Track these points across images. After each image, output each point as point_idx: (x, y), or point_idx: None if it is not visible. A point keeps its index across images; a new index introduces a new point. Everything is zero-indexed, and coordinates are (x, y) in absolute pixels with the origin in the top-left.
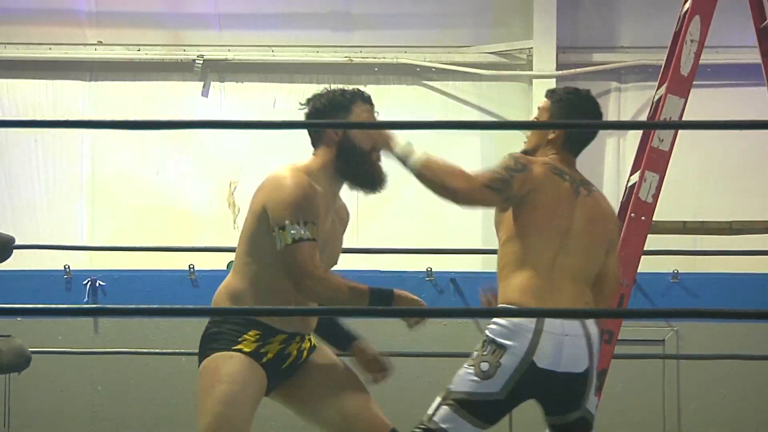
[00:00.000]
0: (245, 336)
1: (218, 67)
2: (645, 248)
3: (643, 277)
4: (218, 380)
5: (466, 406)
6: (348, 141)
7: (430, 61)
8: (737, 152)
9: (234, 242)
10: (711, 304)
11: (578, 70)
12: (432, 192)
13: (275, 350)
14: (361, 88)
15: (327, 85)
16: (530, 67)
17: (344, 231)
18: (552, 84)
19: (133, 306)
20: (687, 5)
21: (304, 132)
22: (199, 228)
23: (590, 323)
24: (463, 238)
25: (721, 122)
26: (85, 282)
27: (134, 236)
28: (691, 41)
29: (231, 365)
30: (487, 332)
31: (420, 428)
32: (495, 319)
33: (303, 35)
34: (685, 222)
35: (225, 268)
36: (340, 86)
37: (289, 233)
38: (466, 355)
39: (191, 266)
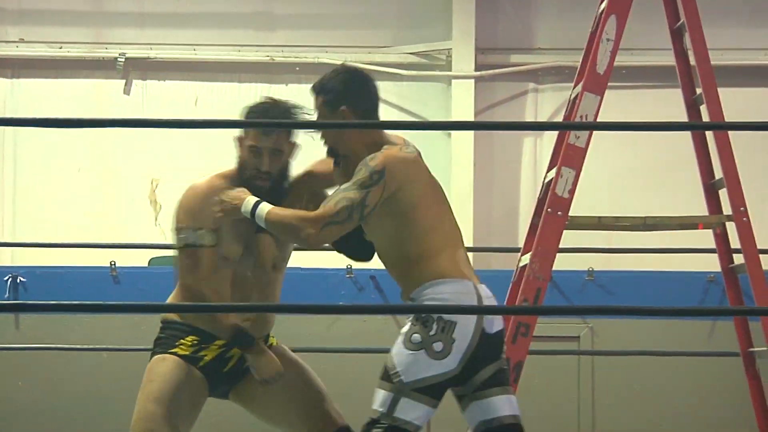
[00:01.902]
0: (182, 341)
1: (140, 65)
2: (561, 246)
3: (559, 275)
4: (150, 379)
5: (426, 390)
6: (240, 161)
7: (351, 61)
8: (653, 151)
9: (155, 239)
10: (625, 302)
11: (496, 71)
12: (284, 240)
13: (213, 354)
14: (283, 86)
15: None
16: (449, 68)
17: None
18: (471, 84)
19: (55, 302)
20: (603, 5)
21: (224, 131)
22: (120, 225)
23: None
24: None
25: (636, 123)
26: (6, 278)
27: (56, 233)
28: (607, 40)
29: (163, 366)
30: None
31: (381, 427)
32: (434, 296)
33: (225, 34)
34: (600, 218)
35: (147, 265)
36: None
37: (179, 238)
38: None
39: (113, 263)
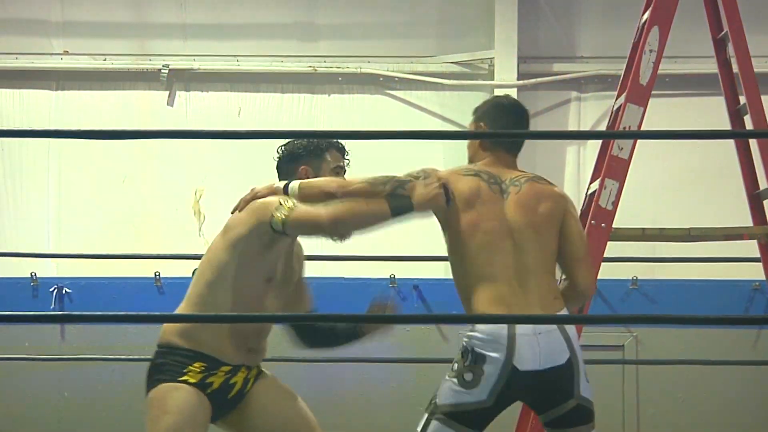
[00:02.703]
0: (190, 367)
1: (184, 76)
2: (605, 255)
3: (603, 284)
4: (165, 411)
5: (456, 416)
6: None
7: (392, 71)
8: (696, 160)
9: (199, 249)
10: (669, 310)
11: (539, 79)
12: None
13: (220, 381)
14: (325, 96)
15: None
16: (492, 77)
17: (300, 271)
18: (513, 93)
19: (100, 313)
20: (646, 16)
21: (267, 141)
22: (164, 235)
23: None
24: (426, 245)
25: (679, 131)
26: (51, 289)
27: (101, 244)
28: (650, 51)
29: (177, 396)
30: (464, 343)
31: None
32: (470, 331)
33: (268, 45)
34: (644, 229)
35: (190, 275)
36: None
37: (281, 210)
38: (428, 361)
39: (157, 273)
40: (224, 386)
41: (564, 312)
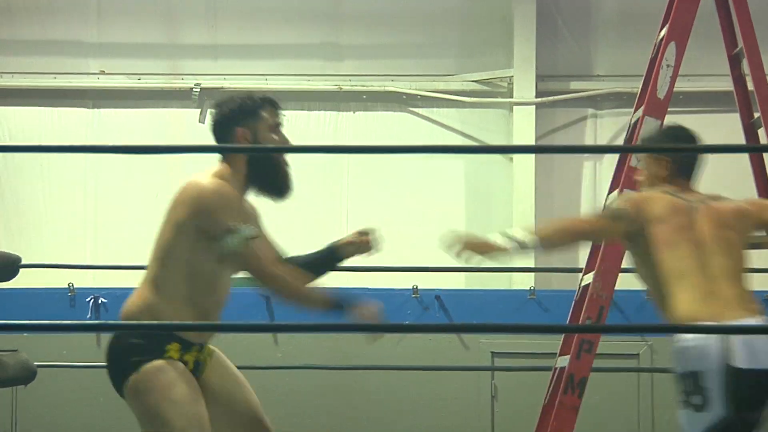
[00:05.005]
0: (168, 346)
1: (214, 94)
2: (621, 265)
3: (619, 294)
4: (171, 384)
5: None
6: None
7: (415, 89)
8: (710, 174)
9: None
10: None
11: (556, 97)
12: None
13: (192, 360)
14: (350, 114)
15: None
16: (511, 95)
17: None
18: (531, 110)
19: (134, 322)
20: (663, 32)
21: (293, 156)
22: None
23: (759, 320)
24: (448, 256)
25: (695, 147)
26: (88, 299)
27: (135, 256)
28: (667, 66)
29: (173, 370)
30: (676, 367)
31: None
32: (676, 342)
33: (295, 64)
34: None
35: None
36: (250, 93)
37: (240, 234)
38: (448, 369)
39: None
40: (195, 365)
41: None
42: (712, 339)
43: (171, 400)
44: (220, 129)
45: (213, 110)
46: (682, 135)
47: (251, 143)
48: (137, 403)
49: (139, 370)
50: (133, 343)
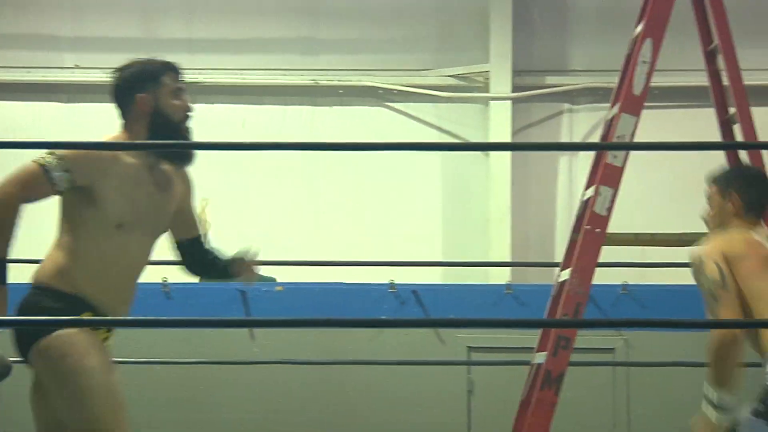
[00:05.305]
0: (84, 315)
1: (190, 89)
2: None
3: (595, 289)
4: (86, 352)
5: None
6: (160, 113)
7: (392, 84)
8: (686, 168)
9: None
10: (659, 315)
11: (532, 92)
12: None
13: (103, 336)
14: (327, 108)
15: (135, 57)
16: (487, 90)
17: (187, 198)
18: (508, 105)
19: (109, 318)
20: (639, 28)
21: (271, 153)
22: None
23: None
24: (424, 251)
25: (672, 143)
26: None
27: None
28: (643, 62)
29: (89, 337)
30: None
31: None
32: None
33: (271, 59)
34: (636, 234)
35: (198, 280)
36: (149, 57)
37: (41, 157)
38: (425, 363)
39: (165, 279)
40: (104, 339)
41: None
42: None
43: (85, 368)
44: (120, 94)
45: (114, 75)
46: (752, 173)
47: (152, 109)
48: (46, 367)
49: (53, 335)
50: (48, 306)
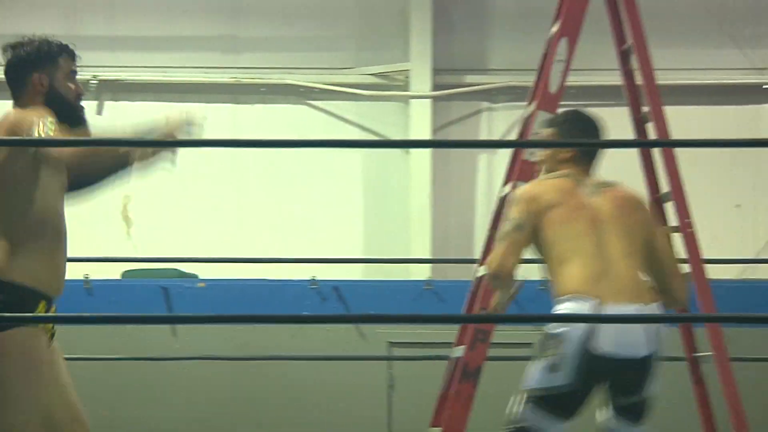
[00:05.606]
0: (38, 309)
1: (112, 87)
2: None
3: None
4: (34, 362)
5: (543, 401)
6: (55, 93)
7: (313, 82)
8: (602, 165)
9: (127, 253)
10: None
11: (452, 90)
12: None
13: (49, 331)
14: (249, 106)
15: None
16: (407, 88)
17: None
18: (428, 104)
19: (31, 314)
20: (555, 28)
21: (192, 150)
22: (94, 240)
23: (650, 308)
24: (345, 247)
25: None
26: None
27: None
28: (559, 61)
29: (40, 346)
30: (546, 327)
31: (510, 428)
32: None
33: (193, 57)
34: None
35: (120, 277)
36: (46, 38)
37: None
38: (346, 359)
39: (86, 276)
40: (51, 337)
41: (657, 306)
42: (585, 310)
43: (27, 380)
44: (15, 72)
45: (7, 52)
46: (584, 119)
47: (47, 89)
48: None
49: (5, 331)
50: (2, 300)
